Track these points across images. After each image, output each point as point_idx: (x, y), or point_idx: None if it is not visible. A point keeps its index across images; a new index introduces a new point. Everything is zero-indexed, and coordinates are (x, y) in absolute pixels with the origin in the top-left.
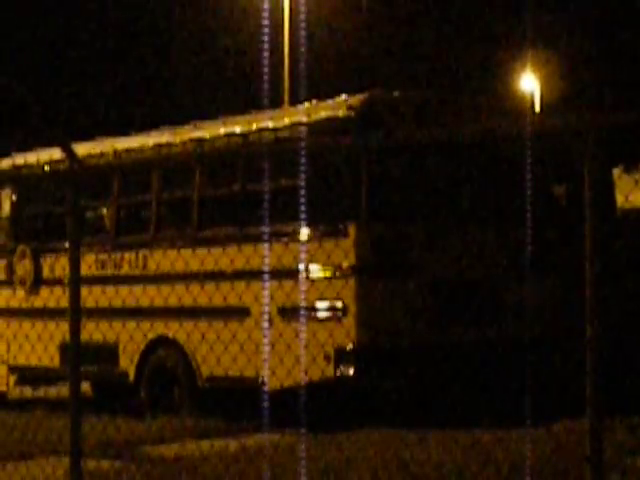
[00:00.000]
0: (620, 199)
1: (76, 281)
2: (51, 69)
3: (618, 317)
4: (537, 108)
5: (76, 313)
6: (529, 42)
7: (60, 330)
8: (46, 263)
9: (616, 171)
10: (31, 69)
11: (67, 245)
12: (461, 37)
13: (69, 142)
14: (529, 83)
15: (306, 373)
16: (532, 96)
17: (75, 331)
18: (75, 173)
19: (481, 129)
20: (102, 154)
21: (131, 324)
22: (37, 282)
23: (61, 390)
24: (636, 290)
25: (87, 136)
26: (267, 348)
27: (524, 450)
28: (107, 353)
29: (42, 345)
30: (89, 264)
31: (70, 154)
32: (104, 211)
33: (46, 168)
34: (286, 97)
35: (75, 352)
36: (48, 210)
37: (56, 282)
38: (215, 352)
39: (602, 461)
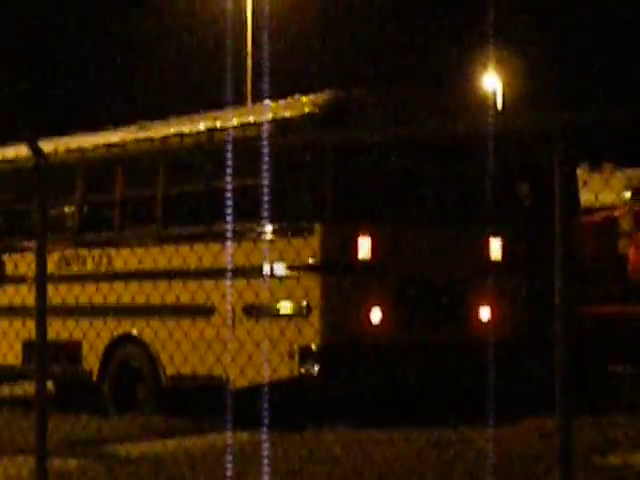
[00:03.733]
0: (590, 198)
1: (42, 277)
2: (17, 65)
3: (581, 315)
4: (499, 107)
5: (42, 309)
6: (491, 41)
7: (23, 328)
8: (9, 261)
9: (580, 170)
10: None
11: (31, 243)
12: (423, 36)
13: (35, 138)
14: (491, 82)
15: (271, 372)
16: (494, 95)
17: (41, 324)
18: (42, 169)
19: (451, 128)
20: (68, 151)
21: (95, 322)
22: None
23: (24, 388)
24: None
25: (53, 133)
26: (232, 346)
27: (493, 448)
28: (70, 351)
29: (5, 343)
30: (52, 261)
31: (36, 150)
32: (67, 209)
33: (9, 165)
34: (249, 96)
35: (41, 348)
36: (11, 207)
37: (19, 280)
38: (180, 350)
39: (571, 460)
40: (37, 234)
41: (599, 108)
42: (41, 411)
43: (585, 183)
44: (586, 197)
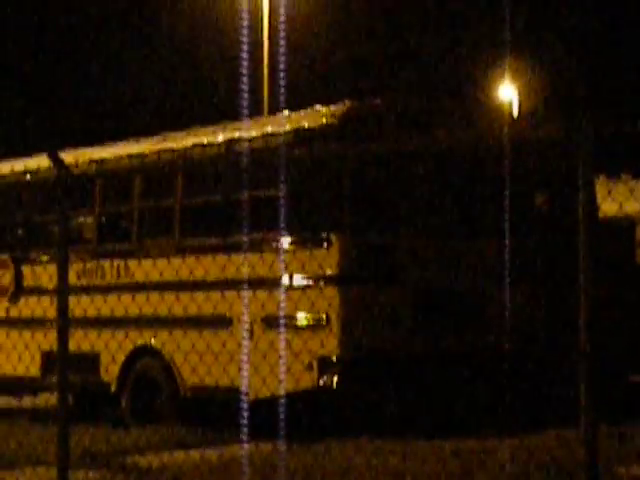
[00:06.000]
0: (614, 207)
1: (64, 286)
2: (39, 77)
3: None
4: (515, 116)
5: (64, 317)
6: (507, 50)
7: (42, 340)
8: (28, 272)
9: (599, 181)
10: (20, 76)
11: (48, 254)
12: (440, 45)
13: (57, 150)
14: (507, 91)
15: (290, 383)
16: (510, 104)
17: (63, 336)
18: (64, 180)
19: (473, 136)
20: (89, 162)
21: (113, 333)
22: (18, 291)
23: (43, 400)
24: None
25: (73, 144)
26: (249, 358)
27: (514, 458)
28: (88, 363)
29: (24, 355)
30: (71, 272)
31: (58, 162)
32: (84, 220)
33: (28, 177)
34: (265, 107)
35: (63, 360)
36: (30, 218)
37: (38, 291)
38: (198, 361)
39: (596, 470)
40: (58, 245)
41: (622, 118)
42: (63, 423)
43: (609, 192)
44: (609, 206)
